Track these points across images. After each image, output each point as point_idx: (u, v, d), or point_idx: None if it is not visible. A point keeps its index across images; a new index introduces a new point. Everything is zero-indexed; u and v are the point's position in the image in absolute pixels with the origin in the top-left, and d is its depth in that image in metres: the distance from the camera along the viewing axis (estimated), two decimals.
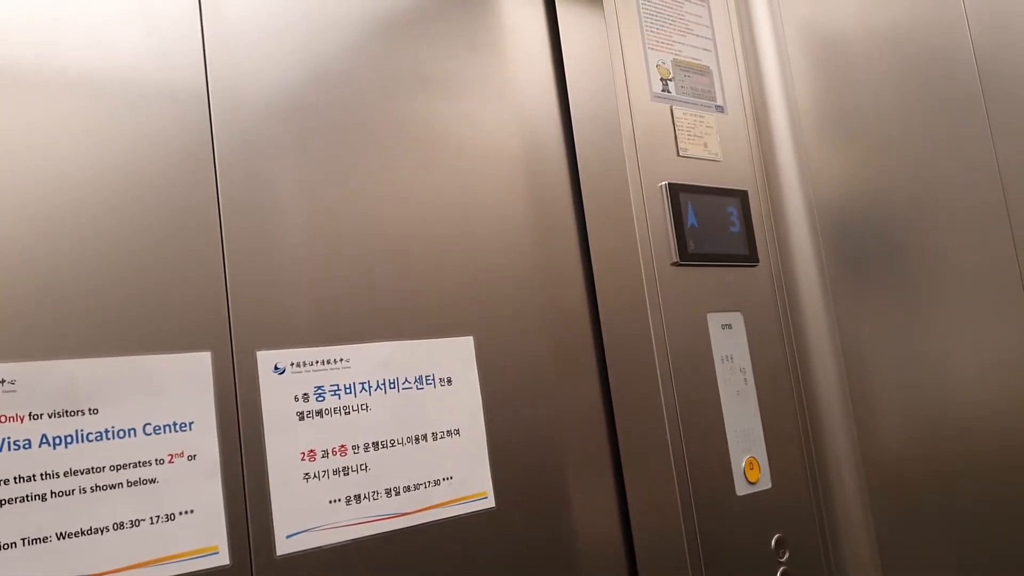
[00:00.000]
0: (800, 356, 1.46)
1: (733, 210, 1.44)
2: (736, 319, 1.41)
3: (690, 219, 1.37)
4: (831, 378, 1.45)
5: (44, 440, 0.91)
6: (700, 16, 1.50)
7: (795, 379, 1.45)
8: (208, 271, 1.05)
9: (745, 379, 1.39)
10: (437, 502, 1.16)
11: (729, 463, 1.34)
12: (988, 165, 1.37)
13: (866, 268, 1.51)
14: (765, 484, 1.37)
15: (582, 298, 1.40)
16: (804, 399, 1.45)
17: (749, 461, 1.35)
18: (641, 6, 1.42)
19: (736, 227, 1.43)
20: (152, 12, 1.07)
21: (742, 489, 1.34)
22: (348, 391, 1.12)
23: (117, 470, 0.95)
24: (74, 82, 1.00)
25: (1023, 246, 1.32)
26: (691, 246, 1.36)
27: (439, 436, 1.18)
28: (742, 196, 1.45)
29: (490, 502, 1.21)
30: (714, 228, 1.40)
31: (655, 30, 1.42)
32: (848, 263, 1.51)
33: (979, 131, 1.38)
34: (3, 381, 0.90)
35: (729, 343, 1.39)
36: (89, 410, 0.94)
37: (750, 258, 1.44)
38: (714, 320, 1.38)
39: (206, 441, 1.01)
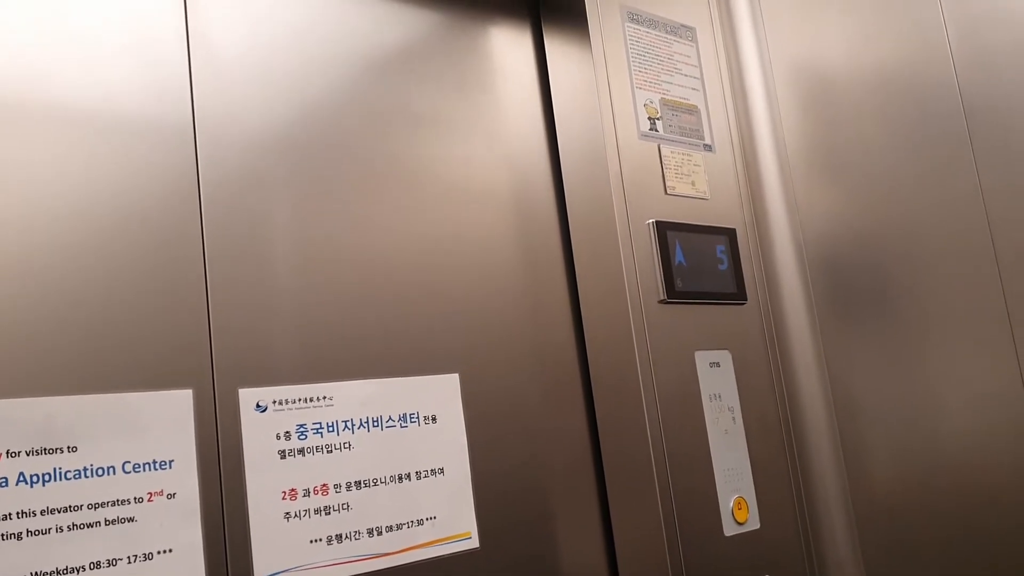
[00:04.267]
0: (789, 394, 1.46)
1: (721, 248, 1.44)
2: (724, 357, 1.40)
3: (678, 257, 1.38)
4: (820, 416, 1.45)
5: (21, 478, 0.91)
6: (688, 56, 1.51)
7: (784, 417, 1.45)
8: (191, 308, 1.05)
9: (733, 418, 1.38)
10: (420, 542, 1.15)
11: (717, 503, 1.33)
12: (974, 201, 1.38)
13: (855, 305, 1.51)
14: (753, 524, 1.36)
15: (570, 336, 1.40)
16: (793, 438, 1.45)
17: (737, 501, 1.34)
18: (629, 46, 1.43)
19: (724, 265, 1.43)
20: (140, 49, 1.08)
21: (730, 529, 1.33)
22: (331, 429, 1.11)
23: (95, 508, 0.94)
24: (56, 116, 1.01)
25: (1009, 281, 1.32)
26: (678, 284, 1.36)
27: (423, 475, 1.18)
28: (730, 234, 1.46)
29: (474, 542, 1.20)
30: (702, 266, 1.41)
31: (643, 70, 1.44)
32: (837, 300, 1.51)
33: (965, 168, 1.39)
34: None
35: (717, 381, 1.39)
36: (67, 448, 0.94)
37: (738, 296, 1.44)
38: (702, 358, 1.38)
39: (186, 480, 1.00)
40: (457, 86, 1.38)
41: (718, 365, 1.40)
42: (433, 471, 1.19)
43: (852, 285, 1.53)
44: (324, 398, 1.12)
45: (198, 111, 1.11)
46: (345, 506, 1.10)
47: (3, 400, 0.91)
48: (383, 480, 1.14)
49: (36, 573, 0.90)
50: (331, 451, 1.11)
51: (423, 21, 1.37)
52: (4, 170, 0.97)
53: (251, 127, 1.15)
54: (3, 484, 0.90)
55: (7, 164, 0.97)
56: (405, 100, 1.31)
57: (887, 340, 1.46)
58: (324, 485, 1.09)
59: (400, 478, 1.15)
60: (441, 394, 1.22)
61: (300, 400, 1.10)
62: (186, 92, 1.11)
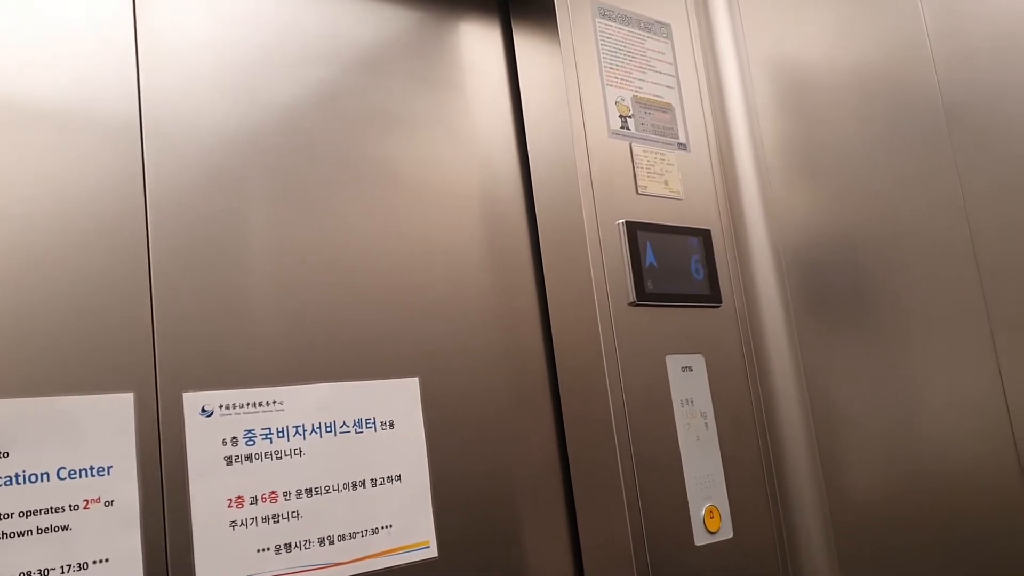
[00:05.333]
0: (765, 399, 1.42)
1: (695, 249, 1.40)
2: (697, 361, 1.37)
3: (649, 258, 1.34)
4: (797, 422, 1.41)
5: None
6: (663, 53, 1.48)
7: (759, 423, 1.41)
8: (133, 308, 1.02)
9: (706, 424, 1.35)
10: (375, 551, 1.12)
11: (688, 512, 1.29)
12: (954, 201, 1.34)
13: (833, 308, 1.47)
14: (726, 533, 1.32)
15: (538, 339, 1.36)
16: (769, 444, 1.41)
17: (709, 509, 1.30)
18: (600, 42, 1.40)
19: (698, 267, 1.40)
20: (83, 43, 1.05)
21: (701, 539, 1.29)
22: (281, 435, 1.08)
23: (27, 516, 0.91)
24: None
25: (989, 282, 1.28)
26: (649, 285, 1.33)
27: (379, 482, 1.14)
28: (704, 235, 1.42)
29: (432, 551, 1.16)
30: (674, 267, 1.37)
31: (614, 67, 1.40)
32: (814, 303, 1.47)
33: (945, 167, 1.35)
34: None
35: (689, 386, 1.35)
36: None
37: (712, 298, 1.40)
38: (673, 362, 1.34)
39: (125, 487, 0.97)
40: (425, 84, 1.35)
41: (690, 369, 1.36)
42: (390, 478, 1.15)
43: (830, 288, 1.49)
44: (274, 403, 1.08)
45: (145, 107, 1.08)
46: (295, 514, 1.07)
47: None
48: (336, 487, 1.10)
49: None
50: (281, 457, 1.07)
51: (390, 18, 1.33)
52: None
53: (205, 125, 1.12)
54: None
55: None
56: (371, 98, 1.28)
57: (866, 344, 1.42)
58: (273, 492, 1.06)
59: (354, 485, 1.12)
60: (399, 399, 1.19)
61: (249, 404, 1.07)
62: (132, 87, 1.08)
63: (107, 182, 1.03)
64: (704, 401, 1.36)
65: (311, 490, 1.08)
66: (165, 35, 1.12)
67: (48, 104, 1.01)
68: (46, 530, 0.91)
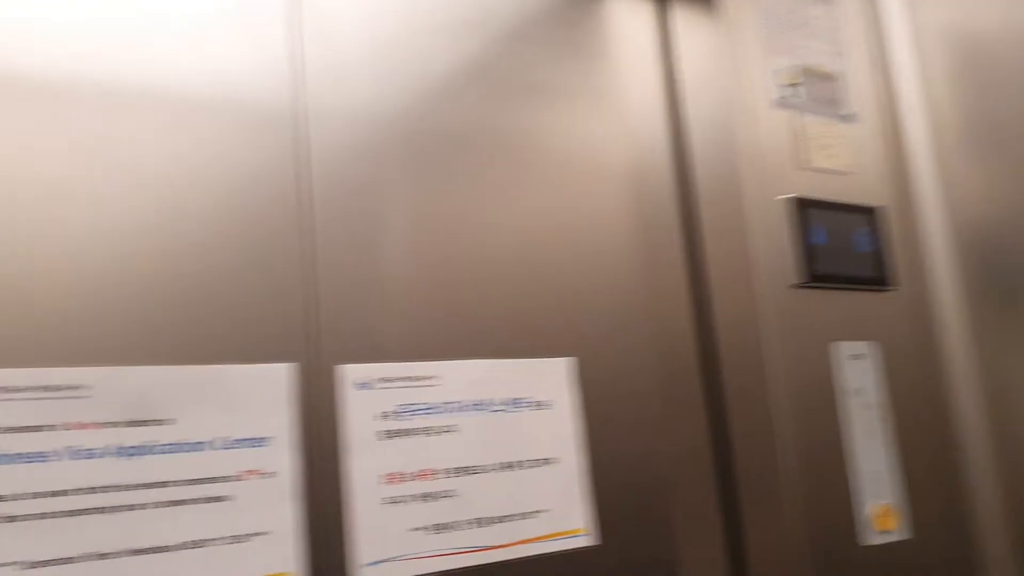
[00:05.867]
0: (943, 391, 1.31)
1: (864, 228, 1.30)
2: (867, 349, 1.27)
3: (815, 237, 1.25)
4: (979, 414, 1.29)
5: (114, 450, 0.86)
6: (827, 19, 1.38)
7: (937, 416, 1.29)
8: (296, 281, 1.00)
9: (878, 416, 1.24)
10: (529, 536, 1.06)
11: (858, 509, 1.19)
12: None
13: (1015, 297, 1.34)
14: (903, 534, 1.21)
15: (689, 323, 1.29)
16: (949, 438, 1.29)
17: (881, 507, 1.20)
18: (761, 8, 1.31)
19: (867, 247, 1.30)
20: (249, 25, 1.04)
21: (874, 538, 1.19)
22: (436, 411, 1.04)
23: (189, 485, 0.89)
24: (158, 90, 0.97)
25: None
26: (816, 266, 1.24)
27: (533, 464, 1.09)
28: (875, 212, 1.32)
29: (589, 539, 1.10)
30: (842, 247, 1.27)
31: (777, 34, 1.32)
32: (993, 290, 1.34)
33: None
34: (77, 387, 0.86)
35: (860, 375, 1.25)
36: (161, 420, 0.89)
37: (884, 281, 1.30)
38: (842, 349, 1.24)
39: (283, 459, 0.95)
40: (575, 53, 1.29)
41: (860, 357, 1.26)
42: (544, 460, 1.10)
43: (1012, 274, 1.36)
44: (430, 377, 1.05)
45: (309, 83, 1.06)
46: (449, 494, 1.02)
47: (100, 368, 0.88)
48: (490, 467, 1.06)
49: (128, 550, 0.85)
50: (436, 434, 1.03)
51: None
52: (114, 148, 0.93)
53: (362, 98, 1.10)
54: (96, 455, 0.86)
55: (117, 143, 0.93)
56: (520, 69, 1.23)
57: None
58: (428, 470, 1.02)
59: (509, 466, 1.07)
60: (553, 379, 1.13)
61: (404, 379, 1.03)
62: (300, 65, 1.06)
63: (272, 157, 1.02)
64: (876, 392, 1.25)
65: (465, 469, 1.04)
66: (327, 14, 1.10)
67: (220, 90, 1.00)
68: (208, 499, 0.90)
